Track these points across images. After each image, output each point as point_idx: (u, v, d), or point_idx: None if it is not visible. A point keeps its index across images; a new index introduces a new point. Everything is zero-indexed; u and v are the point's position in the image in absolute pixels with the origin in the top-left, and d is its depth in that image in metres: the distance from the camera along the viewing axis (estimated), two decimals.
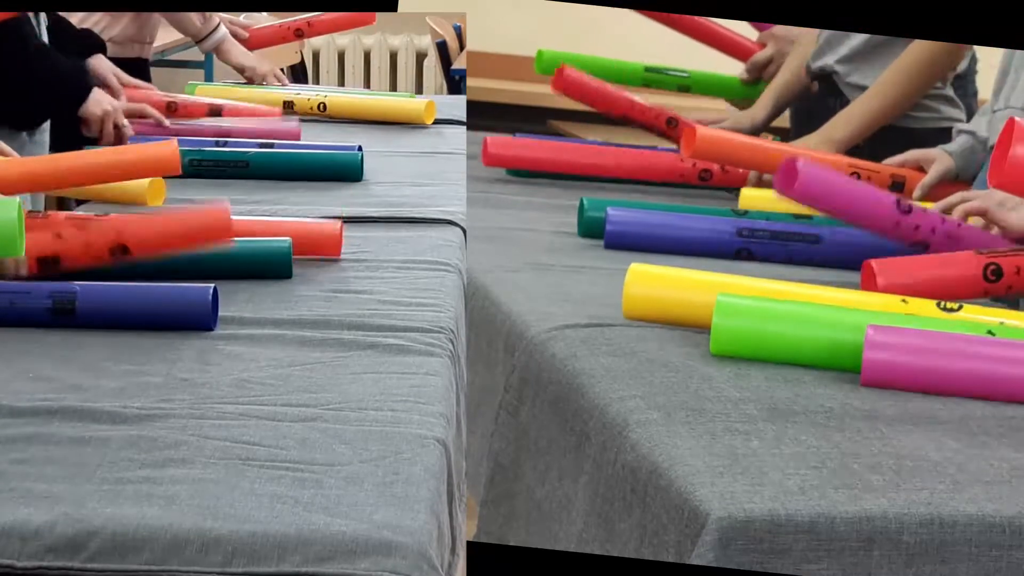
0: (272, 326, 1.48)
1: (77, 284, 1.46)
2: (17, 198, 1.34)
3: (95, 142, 2.36)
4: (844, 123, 2.37)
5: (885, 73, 2.39)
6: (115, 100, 2.41)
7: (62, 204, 2.63)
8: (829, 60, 2.51)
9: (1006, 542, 1.08)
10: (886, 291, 1.53)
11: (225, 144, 2.41)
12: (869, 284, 1.58)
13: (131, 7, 2.62)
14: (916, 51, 2.37)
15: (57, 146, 2.37)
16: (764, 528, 1.04)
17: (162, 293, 1.47)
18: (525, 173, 2.41)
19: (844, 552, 1.05)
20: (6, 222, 1.33)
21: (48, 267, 1.53)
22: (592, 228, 1.95)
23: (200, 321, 1.45)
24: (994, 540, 1.07)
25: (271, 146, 2.41)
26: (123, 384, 1.28)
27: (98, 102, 2.36)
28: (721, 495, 1.07)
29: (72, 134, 2.40)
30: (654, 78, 2.77)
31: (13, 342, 1.40)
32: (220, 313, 1.48)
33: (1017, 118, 1.33)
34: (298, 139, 2.56)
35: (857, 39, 2.50)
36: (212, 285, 1.47)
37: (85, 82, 2.38)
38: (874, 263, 1.59)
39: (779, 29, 2.77)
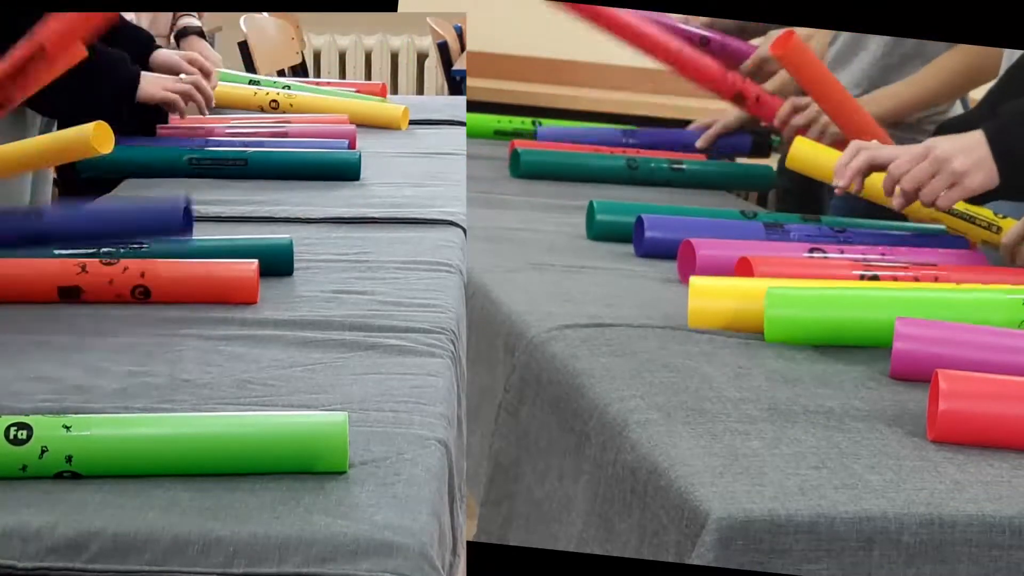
0: (273, 327, 1.48)
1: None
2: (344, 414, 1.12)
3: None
4: (874, 102, 2.35)
5: (929, 67, 2.37)
6: (171, 80, 2.44)
7: (67, 189, 2.63)
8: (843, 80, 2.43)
9: (1006, 542, 1.08)
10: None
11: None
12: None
13: (131, 8, 2.62)
14: (962, 53, 2.34)
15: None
16: (764, 528, 1.04)
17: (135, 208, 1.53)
18: (528, 173, 2.40)
19: (844, 552, 1.06)
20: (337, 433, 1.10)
21: (69, 296, 1.55)
22: (602, 231, 1.94)
23: (171, 225, 1.48)
24: (994, 540, 1.07)
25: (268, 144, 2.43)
26: (124, 385, 1.29)
27: (154, 83, 2.40)
28: (721, 495, 1.07)
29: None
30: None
31: (14, 342, 1.40)
32: (221, 314, 1.48)
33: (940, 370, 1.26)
34: (354, 144, 2.56)
35: (865, 60, 2.48)
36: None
37: (129, 70, 2.38)
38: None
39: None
